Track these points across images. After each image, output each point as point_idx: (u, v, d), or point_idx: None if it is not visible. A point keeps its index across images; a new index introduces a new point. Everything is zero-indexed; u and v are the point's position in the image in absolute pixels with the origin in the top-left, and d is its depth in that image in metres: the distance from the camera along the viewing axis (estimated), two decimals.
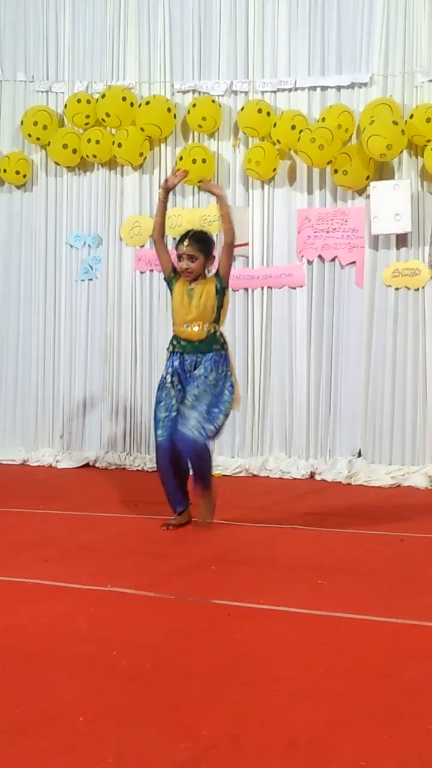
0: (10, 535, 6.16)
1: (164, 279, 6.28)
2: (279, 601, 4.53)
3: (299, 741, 3.05)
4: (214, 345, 6.07)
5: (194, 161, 8.32)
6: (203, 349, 6.06)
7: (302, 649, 3.94)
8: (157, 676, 3.62)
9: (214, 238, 6.48)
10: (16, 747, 3.03)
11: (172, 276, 6.17)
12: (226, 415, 6.06)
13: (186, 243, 6.05)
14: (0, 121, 9.20)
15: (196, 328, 6.04)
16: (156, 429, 6.12)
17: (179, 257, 6.08)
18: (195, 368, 6.05)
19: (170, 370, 6.11)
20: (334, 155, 7.90)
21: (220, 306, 6.09)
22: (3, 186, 9.20)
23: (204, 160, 8.34)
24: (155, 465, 6.53)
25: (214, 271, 6.13)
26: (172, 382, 6.09)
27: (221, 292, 6.07)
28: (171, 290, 6.18)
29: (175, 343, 6.15)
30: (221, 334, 6.14)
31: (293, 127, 8.06)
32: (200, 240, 6.09)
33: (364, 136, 7.76)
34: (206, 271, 6.11)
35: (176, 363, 6.10)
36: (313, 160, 7.95)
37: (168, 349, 6.22)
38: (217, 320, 6.10)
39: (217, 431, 6.07)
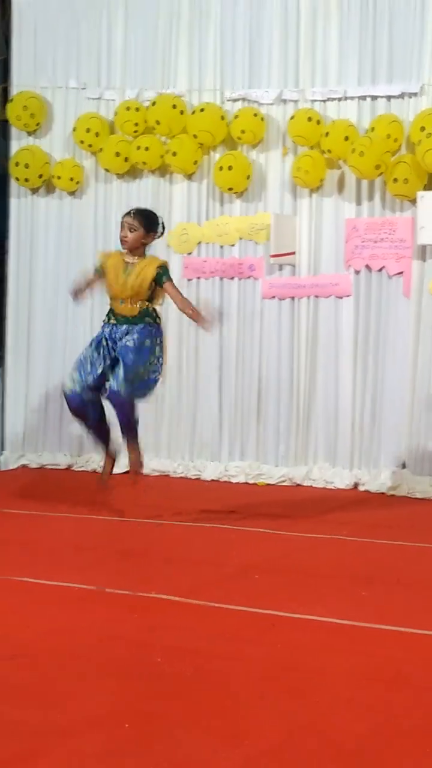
0: (55, 539, 6.21)
1: (95, 271, 6.74)
2: (322, 612, 4.52)
3: (345, 750, 3.04)
4: (146, 318, 6.60)
5: (221, 168, 8.37)
6: (136, 321, 6.58)
7: (345, 659, 3.93)
8: (201, 683, 3.63)
9: (159, 218, 6.79)
10: (60, 750, 3.05)
11: (99, 263, 6.73)
12: (155, 382, 6.69)
13: (131, 214, 6.61)
14: (52, 127, 9.27)
15: (129, 305, 6.58)
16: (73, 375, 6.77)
17: (121, 226, 6.63)
18: (127, 334, 6.55)
19: (102, 336, 6.65)
20: (384, 166, 7.87)
21: (153, 289, 6.59)
22: (54, 192, 9.26)
23: (230, 167, 8.37)
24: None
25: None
26: (98, 345, 6.64)
27: (159, 285, 6.58)
28: (103, 271, 6.63)
29: (110, 315, 6.66)
30: (154, 309, 6.67)
31: (346, 138, 8.04)
32: (144, 215, 6.64)
33: (420, 149, 7.70)
34: (144, 248, 6.64)
35: (107, 331, 6.64)
36: (362, 172, 7.93)
37: (103, 320, 6.74)
38: (151, 299, 6.63)
39: (145, 394, 6.73)
